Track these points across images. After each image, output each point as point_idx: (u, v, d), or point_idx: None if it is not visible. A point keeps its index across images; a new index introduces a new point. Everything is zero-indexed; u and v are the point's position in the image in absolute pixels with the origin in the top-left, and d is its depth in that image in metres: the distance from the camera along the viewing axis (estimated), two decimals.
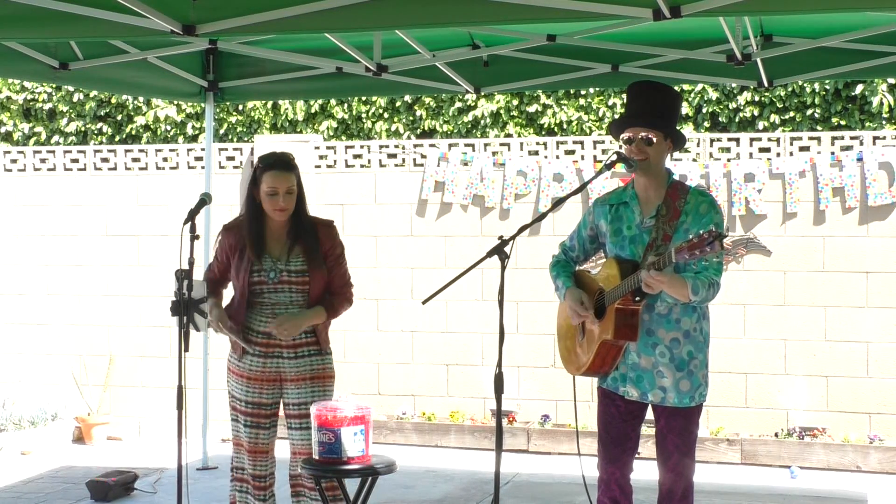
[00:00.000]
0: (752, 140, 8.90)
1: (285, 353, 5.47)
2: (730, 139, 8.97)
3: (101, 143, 11.77)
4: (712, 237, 4.25)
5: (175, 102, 11.45)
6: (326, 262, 5.50)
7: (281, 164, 5.44)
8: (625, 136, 4.80)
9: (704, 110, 10.06)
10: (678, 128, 4.92)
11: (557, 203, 5.14)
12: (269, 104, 11.26)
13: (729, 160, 8.82)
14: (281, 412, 5.63)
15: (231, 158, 9.87)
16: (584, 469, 5.17)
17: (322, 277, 5.47)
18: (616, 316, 4.67)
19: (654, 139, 4.74)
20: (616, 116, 10.10)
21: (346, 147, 9.71)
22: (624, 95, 10.09)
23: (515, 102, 10.59)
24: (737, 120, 10.01)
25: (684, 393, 4.78)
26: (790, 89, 9.81)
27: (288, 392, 5.51)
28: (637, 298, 4.63)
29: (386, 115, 11.01)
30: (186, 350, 5.17)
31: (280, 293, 5.44)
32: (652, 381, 4.79)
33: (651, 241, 4.72)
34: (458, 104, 10.65)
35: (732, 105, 9.99)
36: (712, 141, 8.98)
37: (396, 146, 9.58)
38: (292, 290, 5.44)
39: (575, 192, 5.19)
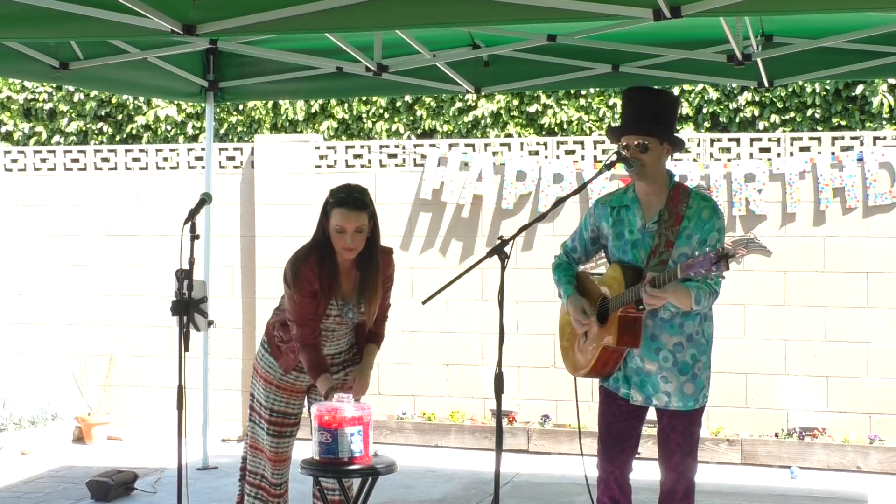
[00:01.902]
0: (752, 140, 8.90)
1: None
2: (730, 139, 8.97)
3: (101, 142, 11.77)
4: (718, 257, 4.26)
5: (175, 102, 11.45)
6: (379, 300, 5.41)
7: (352, 201, 5.15)
8: (623, 143, 4.80)
9: (705, 110, 10.06)
10: (678, 129, 4.91)
11: (558, 203, 5.14)
12: (270, 104, 11.25)
13: (729, 160, 8.82)
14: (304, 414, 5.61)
15: (231, 158, 9.87)
16: (586, 469, 5.17)
17: (375, 312, 5.42)
18: (619, 323, 4.67)
19: (650, 146, 4.74)
20: (616, 117, 10.12)
21: (347, 147, 9.71)
22: None
23: (516, 102, 10.58)
24: (737, 120, 10.01)
25: (688, 396, 4.78)
26: (790, 89, 9.81)
27: (316, 397, 5.44)
28: (640, 307, 4.63)
29: (386, 115, 11.01)
30: (187, 350, 5.17)
31: (340, 325, 5.39)
32: (656, 386, 4.79)
33: (654, 248, 4.71)
34: (459, 104, 10.65)
35: (733, 105, 9.99)
36: (712, 141, 8.97)
37: (397, 146, 9.58)
38: (342, 329, 5.43)
39: (575, 193, 5.19)
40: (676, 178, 4.91)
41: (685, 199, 4.78)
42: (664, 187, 4.82)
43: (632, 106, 4.88)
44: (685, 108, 9.97)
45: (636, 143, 4.74)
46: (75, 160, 10.18)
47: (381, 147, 9.62)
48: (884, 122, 9.54)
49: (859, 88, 9.57)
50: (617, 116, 10.16)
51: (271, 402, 5.49)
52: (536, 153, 9.25)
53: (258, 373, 5.53)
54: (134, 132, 11.73)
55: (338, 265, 5.24)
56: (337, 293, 5.24)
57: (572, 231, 5.20)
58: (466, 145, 9.36)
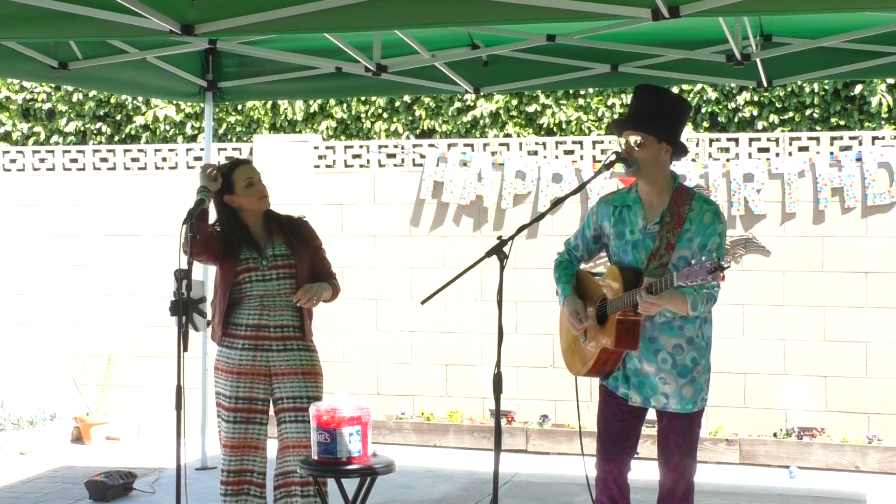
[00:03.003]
0: (751, 140, 8.90)
1: (274, 346, 5.50)
2: (729, 139, 8.97)
3: (100, 142, 11.77)
4: (714, 266, 4.26)
5: (174, 102, 11.45)
6: (308, 252, 5.62)
7: (243, 160, 5.72)
8: (621, 138, 4.81)
9: (703, 110, 10.06)
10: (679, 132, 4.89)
11: (556, 203, 5.14)
12: (269, 104, 11.25)
13: (728, 160, 8.82)
14: (270, 410, 5.62)
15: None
16: (586, 469, 5.17)
17: (306, 262, 5.57)
18: (617, 326, 4.67)
19: (645, 142, 4.73)
20: (615, 117, 10.12)
21: (346, 147, 9.71)
22: (623, 96, 10.14)
23: (515, 102, 10.59)
24: (736, 120, 10.02)
25: (687, 399, 4.78)
26: (789, 89, 9.81)
27: (281, 386, 5.51)
28: (638, 311, 4.63)
29: (385, 115, 11.01)
30: (185, 350, 5.16)
31: (269, 281, 5.49)
32: (654, 388, 4.78)
33: (654, 250, 4.70)
34: (458, 104, 10.65)
35: (731, 105, 9.99)
36: (711, 141, 8.98)
37: (395, 146, 9.58)
38: (280, 275, 5.50)
39: (574, 192, 5.19)
40: (680, 181, 4.90)
41: (688, 201, 4.76)
42: (666, 188, 4.80)
43: (636, 101, 4.88)
44: None
45: (632, 138, 4.74)
46: (74, 160, 10.18)
47: (380, 147, 9.62)
48: (882, 122, 9.55)
49: (858, 88, 9.57)
50: (616, 116, 10.17)
51: (235, 391, 5.53)
52: (535, 153, 9.25)
53: (219, 369, 5.61)
54: (133, 132, 11.73)
55: (248, 226, 5.56)
56: (249, 247, 5.51)
57: (572, 231, 5.20)
58: (465, 145, 9.36)
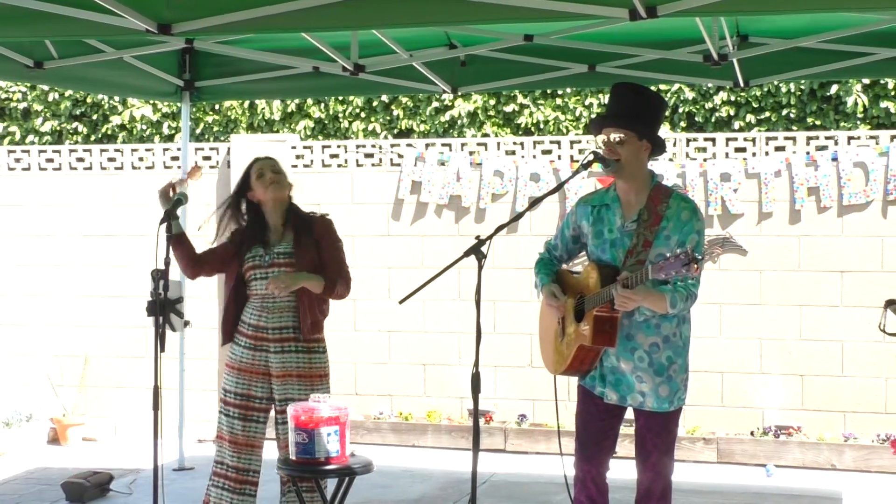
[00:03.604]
0: (728, 140, 8.93)
1: (272, 348, 5.50)
2: (706, 139, 9.00)
3: (76, 142, 11.72)
4: (688, 259, 4.26)
5: (151, 102, 11.41)
6: (320, 251, 5.55)
7: (263, 156, 5.73)
8: (601, 136, 4.82)
9: (681, 110, 10.09)
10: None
11: (534, 203, 5.15)
12: (246, 104, 11.23)
13: (705, 160, 8.85)
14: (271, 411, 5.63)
15: (207, 158, 9.84)
16: (565, 468, 5.17)
17: (308, 262, 5.50)
18: (594, 323, 4.68)
19: (626, 140, 4.74)
20: (593, 116, 10.13)
21: (323, 147, 9.70)
22: (601, 95, 10.16)
23: (492, 102, 10.59)
24: (713, 120, 10.05)
25: (663, 398, 4.78)
26: (766, 89, 9.85)
27: (275, 388, 5.53)
28: (615, 307, 4.64)
29: (363, 115, 11.00)
30: (162, 350, 5.16)
31: (268, 279, 5.48)
32: (631, 386, 4.79)
33: (631, 247, 4.72)
34: (435, 104, 10.65)
35: (708, 105, 10.03)
36: (688, 140, 9.00)
37: (373, 146, 9.57)
38: (271, 273, 5.48)
39: (552, 192, 5.20)
40: (658, 179, 4.91)
41: (665, 199, 4.78)
42: (644, 187, 4.81)
43: (616, 100, 4.88)
44: None
45: (613, 136, 4.75)
46: (50, 160, 10.13)
47: (358, 147, 9.61)
48: (858, 122, 9.60)
49: (834, 88, 9.62)
50: (593, 116, 10.19)
51: (235, 386, 5.57)
52: (513, 153, 9.26)
53: (226, 365, 5.68)
54: (109, 132, 11.68)
55: (265, 221, 5.62)
56: (260, 242, 5.58)
57: (549, 231, 5.21)
58: (443, 145, 9.36)
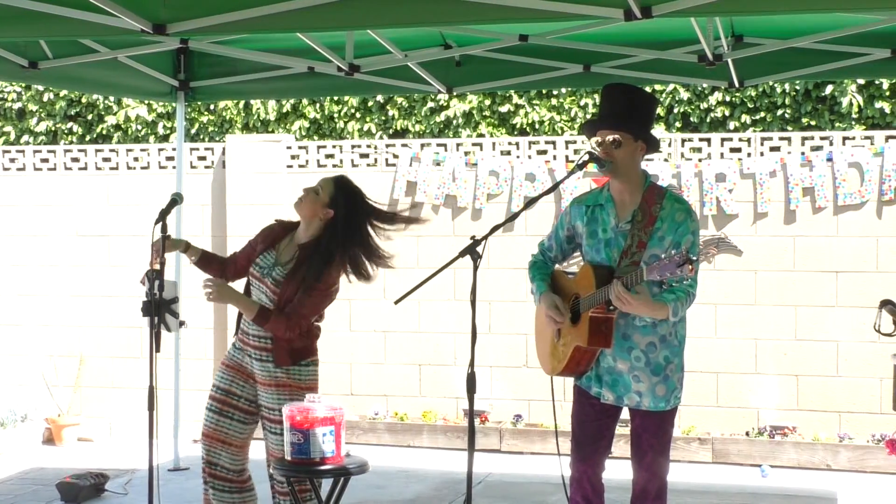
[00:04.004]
0: (723, 140, 8.94)
1: (254, 354, 5.47)
2: (701, 139, 9.01)
3: (71, 142, 11.70)
4: (683, 260, 4.26)
5: (146, 102, 11.40)
6: (299, 286, 5.37)
7: (326, 179, 5.48)
8: (595, 138, 4.81)
9: (676, 110, 10.09)
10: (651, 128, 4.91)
11: (530, 203, 5.14)
12: (241, 104, 11.22)
13: (700, 160, 8.86)
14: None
15: (202, 158, 9.83)
16: (562, 468, 5.17)
17: (291, 296, 5.37)
18: (590, 324, 4.68)
19: (622, 141, 4.74)
20: (588, 117, 10.13)
21: (319, 147, 9.69)
22: (596, 96, 10.16)
23: (488, 102, 10.59)
24: (708, 120, 10.05)
25: (660, 397, 4.79)
26: (761, 90, 9.85)
27: (259, 394, 5.51)
28: (611, 308, 4.64)
29: (358, 115, 10.99)
30: (158, 351, 5.15)
31: (261, 292, 5.46)
32: (627, 386, 4.79)
33: (626, 248, 4.72)
34: (431, 104, 10.65)
35: (703, 105, 10.03)
36: (683, 141, 9.01)
37: (369, 146, 9.57)
38: (265, 293, 5.44)
39: (547, 192, 5.20)
40: (652, 179, 4.92)
41: (659, 199, 4.78)
42: (639, 187, 4.81)
43: (608, 101, 4.88)
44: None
45: (609, 138, 4.74)
46: (45, 160, 10.12)
47: (353, 147, 9.61)
48: (853, 123, 9.61)
49: (828, 89, 9.63)
50: (588, 116, 10.19)
51: (220, 381, 5.58)
52: (508, 153, 9.26)
53: (221, 362, 5.68)
54: (104, 132, 11.66)
55: (294, 231, 5.54)
56: (271, 250, 5.52)
57: (545, 231, 5.21)
58: (438, 145, 9.36)
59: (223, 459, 5.56)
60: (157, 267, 5.22)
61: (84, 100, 11.73)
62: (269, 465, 5.53)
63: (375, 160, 9.49)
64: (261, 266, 5.49)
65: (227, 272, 5.73)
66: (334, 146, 9.66)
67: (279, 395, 5.41)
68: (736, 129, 9.84)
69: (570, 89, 10.20)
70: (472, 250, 4.63)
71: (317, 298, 5.38)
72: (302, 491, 5.38)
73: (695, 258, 4.30)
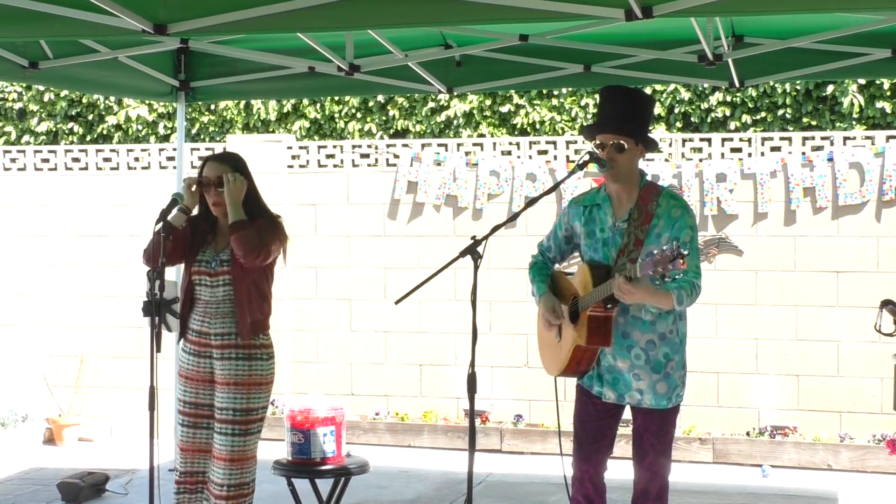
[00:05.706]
0: (723, 140, 8.94)
1: (215, 354, 5.41)
2: (701, 139, 9.01)
3: (72, 142, 11.70)
4: (674, 254, 4.25)
5: (146, 102, 11.40)
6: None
7: (218, 156, 5.52)
8: (597, 142, 4.81)
9: (676, 110, 10.10)
10: (651, 129, 4.91)
11: (530, 203, 5.13)
12: (242, 104, 11.22)
13: (701, 160, 8.86)
14: None
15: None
16: (564, 468, 5.17)
17: (245, 273, 5.36)
18: (589, 322, 4.68)
19: (626, 145, 4.74)
20: (588, 117, 10.14)
21: (319, 147, 9.70)
22: (597, 96, 10.15)
23: (488, 102, 10.59)
24: (708, 120, 10.06)
25: (661, 395, 4.79)
26: (761, 90, 9.86)
27: (216, 395, 5.45)
28: (608, 305, 4.64)
29: (359, 115, 11.00)
30: (158, 351, 5.14)
31: (215, 287, 5.40)
32: (628, 384, 4.79)
33: (623, 246, 4.72)
34: (431, 104, 10.65)
35: (704, 105, 10.03)
36: (684, 141, 9.01)
37: (369, 146, 9.57)
38: (224, 281, 5.39)
39: (548, 192, 5.20)
40: (649, 178, 4.92)
41: (655, 197, 4.79)
42: (636, 187, 4.82)
43: (609, 104, 4.87)
44: (657, 109, 10.00)
45: (612, 142, 4.74)
46: (45, 160, 10.12)
47: (354, 147, 9.61)
48: (854, 123, 9.61)
49: (829, 89, 9.63)
50: (589, 117, 10.19)
51: (184, 395, 5.54)
52: (509, 153, 9.26)
53: (178, 373, 5.59)
54: (105, 132, 11.67)
55: (217, 223, 5.48)
56: (207, 247, 5.44)
57: (546, 231, 5.20)
58: (439, 145, 9.37)
59: (206, 468, 5.54)
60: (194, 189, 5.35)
61: (85, 100, 11.73)
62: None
63: (376, 160, 9.50)
64: (206, 261, 5.42)
65: (178, 248, 5.47)
66: (335, 146, 9.66)
67: (236, 395, 5.37)
68: (736, 129, 9.84)
69: (570, 89, 10.20)
70: (472, 250, 4.63)
71: (272, 228, 5.44)
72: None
73: (686, 252, 4.28)
